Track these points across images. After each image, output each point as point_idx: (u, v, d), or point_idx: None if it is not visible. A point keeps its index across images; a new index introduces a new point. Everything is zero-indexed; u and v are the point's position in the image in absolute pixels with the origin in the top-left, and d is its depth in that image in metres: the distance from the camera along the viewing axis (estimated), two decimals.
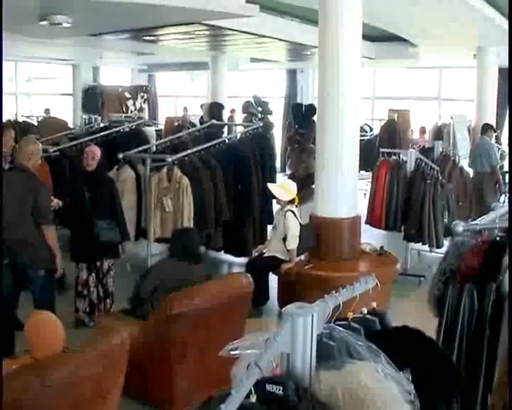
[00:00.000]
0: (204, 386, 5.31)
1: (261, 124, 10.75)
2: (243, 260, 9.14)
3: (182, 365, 5.17)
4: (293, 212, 7.49)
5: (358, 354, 2.23)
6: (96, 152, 7.05)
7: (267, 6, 11.25)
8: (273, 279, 7.83)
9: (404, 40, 14.76)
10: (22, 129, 13.50)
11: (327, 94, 7.54)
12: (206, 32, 13.44)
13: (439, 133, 15.18)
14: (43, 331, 3.88)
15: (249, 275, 5.61)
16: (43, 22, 9.93)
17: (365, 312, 2.59)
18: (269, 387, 2.02)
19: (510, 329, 3.16)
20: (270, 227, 9.14)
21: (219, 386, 5.44)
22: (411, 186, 9.03)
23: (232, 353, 2.35)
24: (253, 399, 1.98)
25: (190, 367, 5.21)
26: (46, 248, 5.92)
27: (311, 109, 13.11)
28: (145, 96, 21.97)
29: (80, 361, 3.85)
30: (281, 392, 2.02)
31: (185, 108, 19.93)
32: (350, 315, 2.48)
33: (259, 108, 18.15)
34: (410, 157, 9.26)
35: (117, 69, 24.27)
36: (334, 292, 2.34)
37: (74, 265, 7.13)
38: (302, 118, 13.72)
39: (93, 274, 7.08)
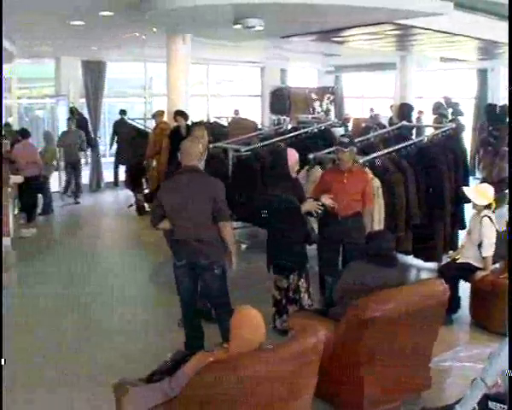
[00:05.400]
0: (393, 392, 5.23)
1: (453, 125, 10.38)
2: (432, 265, 8.93)
3: (371, 369, 5.07)
4: (489, 217, 7.17)
5: None
6: (296, 158, 7.05)
7: (461, 3, 10.89)
8: (465, 287, 7.54)
9: None
10: (213, 130, 13.97)
11: None
12: (395, 32, 13.27)
13: None
14: (245, 327, 3.90)
15: (444, 281, 5.42)
16: (237, 26, 10.22)
17: None
18: (492, 405, 1.91)
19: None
20: (461, 232, 8.85)
21: (409, 394, 5.32)
22: None
23: (442, 364, 2.24)
24: None
25: (380, 373, 5.09)
26: (222, 245, 5.96)
27: (506, 110, 12.50)
28: (331, 97, 22.04)
29: (275, 360, 3.87)
30: None
31: (372, 109, 19.82)
32: None
33: (450, 110, 17.66)
34: None
35: (304, 70, 24.51)
36: None
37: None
38: (496, 119, 13.12)
39: (302, 279, 6.92)
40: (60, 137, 15.68)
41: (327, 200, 6.97)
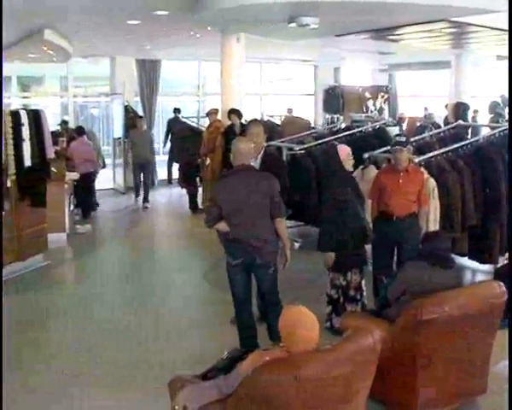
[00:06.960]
0: (448, 396, 5.15)
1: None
2: (488, 267, 8.79)
3: (426, 373, 5.00)
4: None
5: None
6: (347, 152, 7.00)
7: None
8: None
9: None
10: (267, 128, 13.96)
11: None
12: (451, 30, 13.09)
13: None
14: (299, 326, 3.86)
15: (502, 284, 5.32)
16: (292, 24, 10.21)
17: None
18: None
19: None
20: None
21: (464, 398, 5.23)
22: None
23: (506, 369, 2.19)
24: None
25: (435, 376, 5.03)
26: (277, 242, 5.93)
27: None
28: (385, 96, 21.85)
29: (333, 360, 3.83)
30: None
31: (426, 108, 19.60)
32: None
33: (507, 109, 17.32)
34: None
35: (357, 69, 24.34)
36: None
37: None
38: None
39: (364, 277, 6.91)
40: (130, 138, 15.54)
41: None
